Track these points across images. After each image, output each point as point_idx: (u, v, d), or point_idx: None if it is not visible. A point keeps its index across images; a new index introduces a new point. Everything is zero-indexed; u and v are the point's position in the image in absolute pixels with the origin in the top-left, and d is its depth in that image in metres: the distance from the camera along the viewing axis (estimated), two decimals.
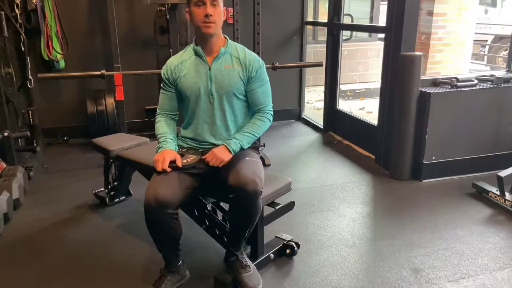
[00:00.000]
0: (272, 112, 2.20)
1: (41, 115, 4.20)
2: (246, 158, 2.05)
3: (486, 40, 8.90)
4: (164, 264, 2.12)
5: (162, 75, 2.16)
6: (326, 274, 2.25)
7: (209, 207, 2.28)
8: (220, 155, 2.00)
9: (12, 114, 3.54)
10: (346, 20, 5.21)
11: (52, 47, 3.98)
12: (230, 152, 2.02)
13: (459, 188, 3.23)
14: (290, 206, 2.33)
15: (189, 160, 2.04)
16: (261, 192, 1.93)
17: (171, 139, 2.10)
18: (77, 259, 2.42)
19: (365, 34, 7.95)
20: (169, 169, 1.96)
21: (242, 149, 2.08)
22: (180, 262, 2.13)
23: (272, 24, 4.68)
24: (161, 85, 2.19)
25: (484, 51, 9.08)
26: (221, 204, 2.36)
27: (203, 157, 2.04)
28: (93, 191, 3.07)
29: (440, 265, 2.32)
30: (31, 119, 3.84)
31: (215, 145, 2.14)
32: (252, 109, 2.19)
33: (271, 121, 2.20)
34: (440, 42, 5.11)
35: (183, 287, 2.14)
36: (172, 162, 1.98)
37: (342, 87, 5.71)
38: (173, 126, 2.21)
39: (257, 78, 2.13)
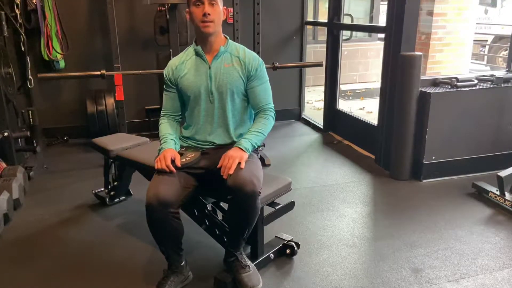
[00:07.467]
0: (274, 110, 2.18)
1: (41, 115, 4.19)
2: None
3: (486, 40, 8.90)
4: (168, 265, 2.12)
5: (164, 76, 2.18)
6: (326, 274, 2.25)
7: (209, 207, 2.28)
8: (234, 154, 1.95)
9: (12, 114, 3.54)
10: (346, 20, 5.21)
11: (52, 47, 3.98)
12: (243, 150, 1.97)
13: (459, 188, 3.23)
14: (290, 206, 2.33)
15: (188, 158, 2.04)
16: (259, 192, 1.92)
17: (171, 139, 2.10)
18: (77, 259, 2.42)
19: (365, 34, 7.95)
20: (172, 168, 1.95)
21: (254, 148, 2.06)
22: (183, 262, 2.13)
23: (272, 24, 4.69)
24: (164, 86, 2.20)
25: (484, 51, 9.08)
26: (221, 204, 2.36)
27: (218, 166, 1.95)
28: (93, 191, 3.07)
29: (440, 265, 2.32)
30: (31, 119, 3.83)
31: (215, 144, 2.14)
32: (254, 108, 2.18)
33: (274, 119, 2.18)
34: (440, 42, 5.10)
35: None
36: (172, 162, 1.98)
37: (342, 87, 5.72)
38: (175, 127, 2.21)
39: (257, 76, 2.13)
